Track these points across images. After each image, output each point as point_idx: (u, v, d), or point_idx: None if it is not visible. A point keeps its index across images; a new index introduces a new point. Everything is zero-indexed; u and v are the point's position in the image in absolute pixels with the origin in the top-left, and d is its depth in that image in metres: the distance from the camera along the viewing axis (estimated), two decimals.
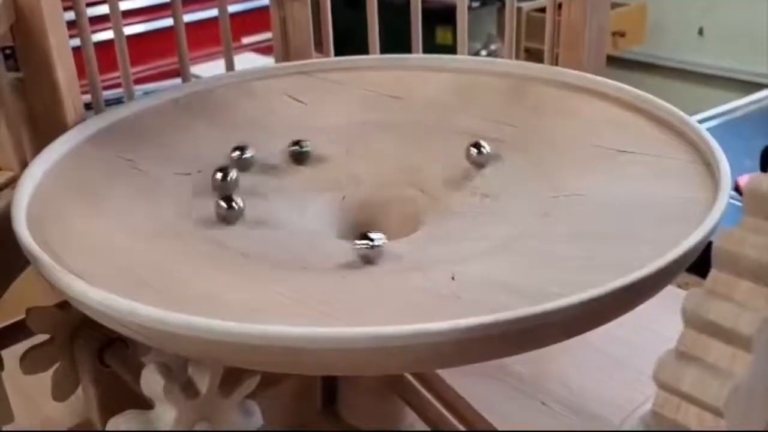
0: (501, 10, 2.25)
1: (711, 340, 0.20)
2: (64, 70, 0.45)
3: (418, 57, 0.55)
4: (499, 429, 0.43)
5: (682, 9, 2.17)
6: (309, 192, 0.43)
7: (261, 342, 0.27)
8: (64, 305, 0.43)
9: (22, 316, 0.43)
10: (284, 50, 0.60)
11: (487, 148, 0.43)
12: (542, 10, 1.91)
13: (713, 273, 0.20)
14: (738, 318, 0.19)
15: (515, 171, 0.42)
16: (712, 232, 0.32)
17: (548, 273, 0.33)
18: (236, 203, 0.38)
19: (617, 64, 2.06)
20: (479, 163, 0.43)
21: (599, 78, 0.48)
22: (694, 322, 0.20)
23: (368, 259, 0.34)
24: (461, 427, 0.44)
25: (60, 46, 0.44)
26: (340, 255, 0.36)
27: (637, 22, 2.13)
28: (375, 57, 0.56)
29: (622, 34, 2.07)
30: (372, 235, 0.34)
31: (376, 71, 0.53)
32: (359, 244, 0.34)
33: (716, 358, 0.19)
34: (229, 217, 0.38)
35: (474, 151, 0.42)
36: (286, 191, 0.42)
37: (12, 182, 0.43)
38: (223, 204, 0.38)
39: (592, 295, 0.28)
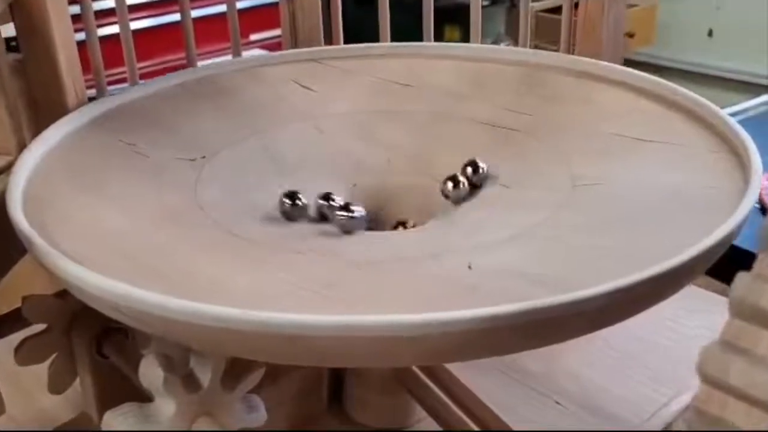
0: (510, 10, 2.25)
1: (761, 330, 0.18)
2: (65, 51, 0.43)
3: (430, 45, 0.53)
4: (512, 427, 0.42)
5: (691, 10, 2.17)
6: (318, 180, 0.41)
7: (266, 329, 0.25)
8: (63, 294, 0.42)
9: (18, 305, 0.42)
10: (293, 45, 0.59)
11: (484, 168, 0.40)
12: (550, 10, 1.91)
13: (761, 256, 0.19)
14: None
15: (532, 160, 0.41)
16: (743, 222, 0.31)
17: (567, 263, 0.31)
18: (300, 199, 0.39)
19: (626, 65, 2.03)
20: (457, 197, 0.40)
21: (616, 66, 0.47)
22: (742, 309, 0.18)
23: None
24: (472, 425, 0.42)
25: (61, 26, 0.43)
26: (351, 242, 0.35)
27: (647, 23, 2.12)
28: (386, 45, 0.54)
29: (632, 35, 2.06)
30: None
31: (387, 59, 0.51)
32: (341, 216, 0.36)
33: (766, 349, 0.18)
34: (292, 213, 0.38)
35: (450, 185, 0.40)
36: (295, 180, 0.41)
37: (10, 167, 0.41)
38: (287, 200, 0.38)
39: (622, 285, 0.26)
